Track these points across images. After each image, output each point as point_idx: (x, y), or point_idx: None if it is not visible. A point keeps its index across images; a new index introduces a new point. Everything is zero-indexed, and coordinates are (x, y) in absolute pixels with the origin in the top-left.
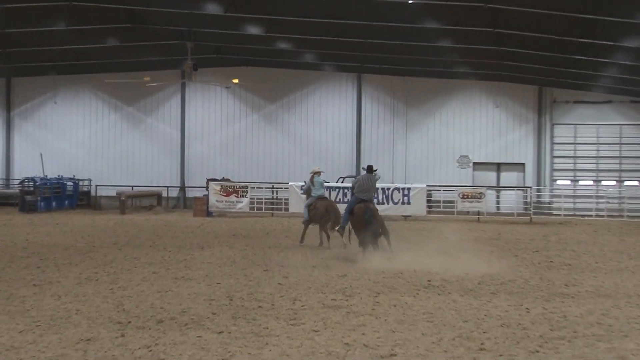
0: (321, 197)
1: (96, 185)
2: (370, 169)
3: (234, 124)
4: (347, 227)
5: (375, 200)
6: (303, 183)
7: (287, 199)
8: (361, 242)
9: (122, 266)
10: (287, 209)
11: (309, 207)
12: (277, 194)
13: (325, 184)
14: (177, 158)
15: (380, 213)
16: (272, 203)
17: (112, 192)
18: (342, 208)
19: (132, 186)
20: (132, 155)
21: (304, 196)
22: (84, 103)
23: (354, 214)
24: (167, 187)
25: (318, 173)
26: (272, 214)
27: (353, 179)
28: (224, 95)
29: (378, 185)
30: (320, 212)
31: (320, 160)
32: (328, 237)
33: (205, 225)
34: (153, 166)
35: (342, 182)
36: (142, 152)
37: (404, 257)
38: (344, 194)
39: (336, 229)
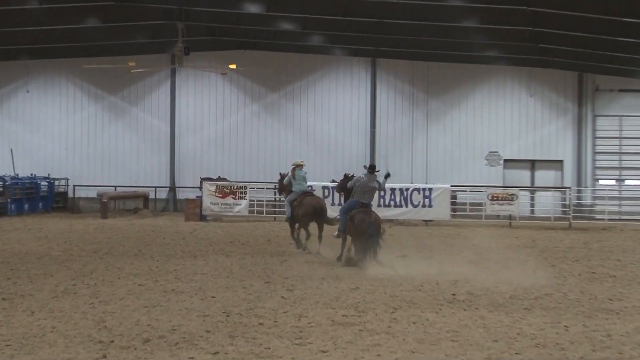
0: (306, 193)
1: (74, 185)
2: (372, 169)
3: (231, 115)
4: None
5: (391, 203)
6: (279, 175)
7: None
8: (356, 250)
9: (103, 277)
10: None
11: (292, 202)
12: (279, 195)
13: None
14: (167, 154)
15: (399, 217)
16: (274, 206)
17: (92, 193)
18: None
19: (115, 186)
20: (115, 151)
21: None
22: (60, 92)
23: (355, 224)
24: (155, 187)
25: (300, 166)
26: (275, 218)
27: (353, 178)
28: (220, 82)
29: (394, 185)
30: (306, 209)
31: (329, 157)
32: (307, 235)
33: (199, 230)
34: (139, 163)
35: None
36: (126, 147)
37: (425, 268)
38: None
39: (334, 234)
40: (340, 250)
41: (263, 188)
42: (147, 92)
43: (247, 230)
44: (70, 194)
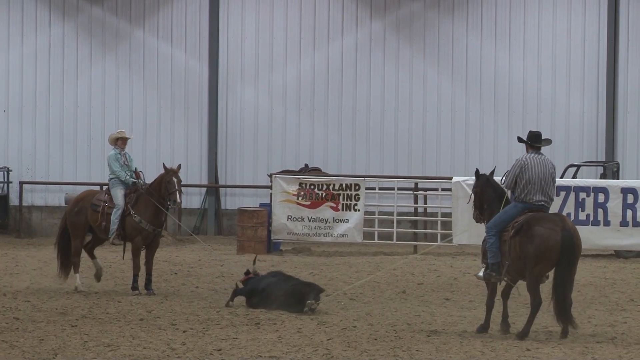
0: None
1: (21, 183)
2: (537, 140)
3: (328, 43)
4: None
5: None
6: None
7: (447, 214)
8: (535, 305)
9: None
10: (447, 236)
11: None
12: (425, 202)
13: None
14: (202, 123)
15: None
16: (413, 223)
17: (57, 199)
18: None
19: (102, 185)
20: (102, 116)
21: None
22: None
23: (533, 235)
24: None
25: (122, 142)
26: (416, 246)
27: (517, 161)
28: None
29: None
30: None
31: (519, 124)
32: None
33: (265, 272)
34: (147, 140)
35: (574, 175)
36: (122, 107)
37: None
38: (578, 202)
39: (479, 275)
40: (485, 315)
41: (393, 189)
42: (164, 1)
43: (360, 270)
44: (13, 200)
